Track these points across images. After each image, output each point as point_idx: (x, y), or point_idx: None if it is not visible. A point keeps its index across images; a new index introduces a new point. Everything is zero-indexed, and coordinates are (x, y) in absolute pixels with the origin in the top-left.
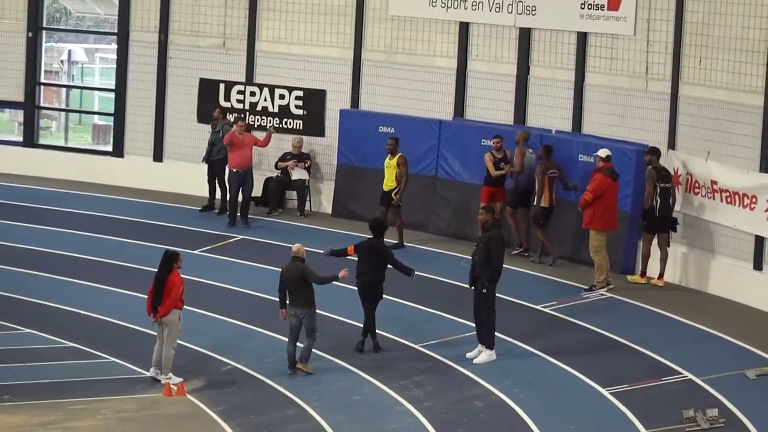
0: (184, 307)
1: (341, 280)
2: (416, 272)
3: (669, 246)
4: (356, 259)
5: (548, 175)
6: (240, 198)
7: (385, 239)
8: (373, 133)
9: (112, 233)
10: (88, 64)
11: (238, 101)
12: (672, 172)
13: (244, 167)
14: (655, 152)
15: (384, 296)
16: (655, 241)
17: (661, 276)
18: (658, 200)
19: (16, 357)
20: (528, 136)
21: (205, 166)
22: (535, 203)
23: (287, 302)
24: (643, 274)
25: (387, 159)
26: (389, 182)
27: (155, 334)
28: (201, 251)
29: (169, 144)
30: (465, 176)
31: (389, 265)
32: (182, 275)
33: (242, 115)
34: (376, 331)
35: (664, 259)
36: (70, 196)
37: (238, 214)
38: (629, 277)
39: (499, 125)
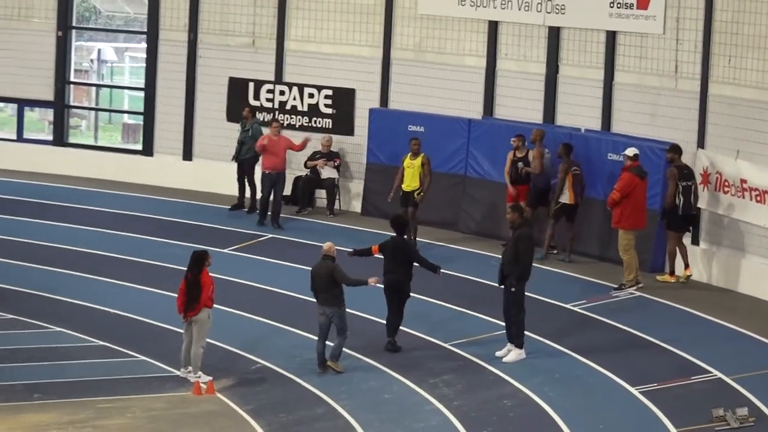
0: (214, 305)
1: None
2: (445, 270)
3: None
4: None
5: (572, 172)
6: (271, 200)
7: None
8: (402, 132)
9: (142, 232)
10: (117, 63)
11: (268, 100)
12: (701, 171)
13: (277, 169)
14: (677, 150)
15: (412, 294)
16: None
17: (687, 266)
18: (681, 198)
19: (46, 355)
20: (544, 134)
21: (235, 165)
22: (558, 200)
23: (316, 301)
24: (672, 272)
25: (408, 159)
26: (412, 182)
27: (182, 332)
28: (230, 250)
29: (198, 143)
30: (494, 175)
31: (415, 263)
32: (212, 274)
33: (275, 116)
34: (400, 328)
35: (685, 254)
36: (99, 194)
37: (269, 215)
38: (658, 277)
39: (528, 124)
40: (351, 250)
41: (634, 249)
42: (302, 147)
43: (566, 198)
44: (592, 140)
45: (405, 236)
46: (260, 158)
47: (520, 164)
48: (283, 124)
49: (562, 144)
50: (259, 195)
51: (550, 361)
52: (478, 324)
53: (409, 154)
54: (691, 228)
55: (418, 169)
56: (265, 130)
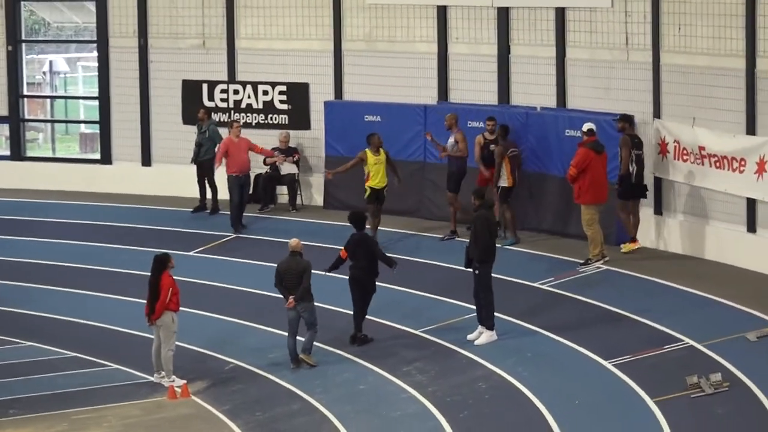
0: (182, 308)
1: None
2: (411, 258)
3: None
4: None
5: (508, 155)
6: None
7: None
8: (359, 123)
9: (106, 240)
10: (70, 74)
11: (222, 100)
12: (659, 141)
13: (243, 171)
14: (627, 119)
15: (380, 284)
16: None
17: (634, 240)
18: (635, 167)
19: (19, 370)
20: (457, 118)
21: (194, 168)
22: (497, 184)
23: (286, 295)
24: (634, 240)
25: (371, 155)
26: (383, 180)
27: (153, 337)
28: (196, 252)
29: (156, 148)
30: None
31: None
32: (178, 277)
33: (233, 118)
34: (371, 318)
35: (636, 225)
36: (61, 206)
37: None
38: (623, 247)
39: (483, 106)
40: (327, 269)
41: (598, 223)
42: (265, 153)
43: (504, 181)
44: (549, 117)
45: (364, 230)
46: (223, 161)
47: (493, 146)
48: (241, 123)
49: (500, 126)
50: (220, 196)
51: (522, 341)
52: (448, 309)
53: (368, 150)
54: (642, 197)
55: (384, 165)
56: (224, 132)
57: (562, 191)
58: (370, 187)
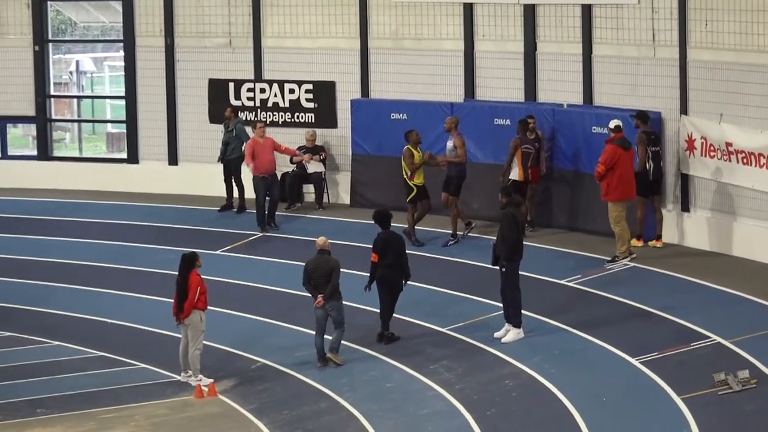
0: (209, 307)
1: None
2: (441, 256)
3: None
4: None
5: (522, 150)
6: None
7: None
8: (385, 121)
9: (133, 240)
10: (97, 74)
11: (249, 99)
12: (686, 138)
13: (270, 171)
14: (642, 116)
15: (409, 283)
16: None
17: (659, 238)
18: (651, 164)
19: (46, 370)
20: (458, 121)
21: (221, 166)
22: (506, 177)
23: (314, 293)
24: (640, 237)
25: (416, 153)
26: (420, 177)
27: (180, 336)
28: (223, 251)
29: (183, 147)
30: (480, 156)
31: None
32: (205, 276)
33: (258, 117)
34: (398, 317)
35: (660, 221)
36: (87, 206)
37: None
38: (650, 243)
39: (510, 103)
40: (366, 285)
41: (625, 220)
42: (289, 153)
43: (515, 174)
44: (576, 115)
45: (390, 228)
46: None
47: (536, 145)
48: (266, 122)
49: (519, 121)
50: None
51: (549, 338)
52: (474, 307)
53: (409, 147)
54: (657, 193)
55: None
56: (251, 131)
57: (589, 188)
58: (416, 185)
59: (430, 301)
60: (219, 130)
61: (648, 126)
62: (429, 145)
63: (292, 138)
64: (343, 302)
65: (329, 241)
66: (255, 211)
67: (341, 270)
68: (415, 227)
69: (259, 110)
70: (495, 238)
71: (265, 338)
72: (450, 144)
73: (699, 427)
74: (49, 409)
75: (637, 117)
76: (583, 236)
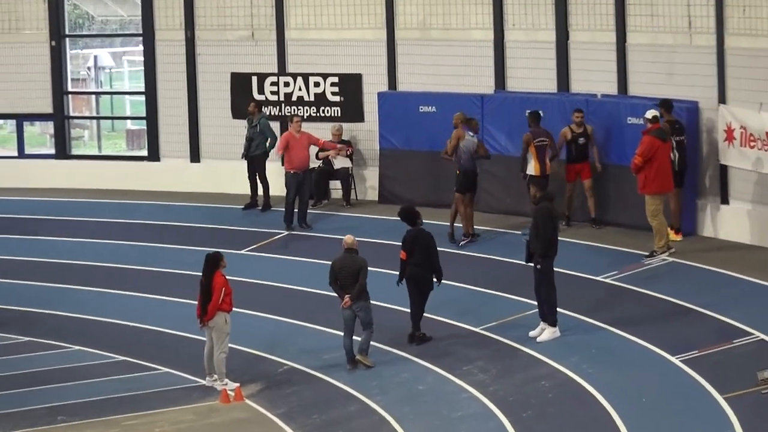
0: (234, 309)
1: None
2: (469, 252)
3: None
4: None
5: (535, 143)
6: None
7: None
8: (413, 114)
9: (154, 240)
10: (115, 69)
11: (272, 93)
12: (725, 127)
13: (302, 168)
14: (666, 105)
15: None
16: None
17: (678, 231)
18: (676, 154)
19: (67, 376)
20: (464, 118)
21: (245, 163)
22: (523, 172)
23: (341, 294)
24: (678, 230)
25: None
26: None
27: (205, 339)
28: (247, 251)
29: (205, 143)
30: (512, 149)
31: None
32: (230, 276)
33: (295, 111)
34: (429, 316)
35: (677, 214)
36: (108, 205)
37: (296, 217)
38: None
39: (542, 94)
40: (397, 281)
41: (663, 214)
42: (330, 147)
43: (531, 169)
44: (610, 105)
45: (420, 225)
46: (281, 157)
47: (581, 139)
48: (303, 117)
49: (529, 112)
50: (273, 193)
51: (586, 337)
52: (508, 305)
53: (464, 132)
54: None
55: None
56: (275, 126)
57: (625, 180)
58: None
59: (462, 300)
60: (242, 125)
61: (672, 115)
62: None
63: (318, 133)
64: (372, 302)
65: (356, 239)
66: (282, 209)
67: (369, 269)
68: (454, 224)
69: (283, 104)
70: (528, 233)
71: (292, 340)
72: (468, 142)
73: (743, 428)
74: (71, 417)
75: (660, 106)
76: (619, 231)
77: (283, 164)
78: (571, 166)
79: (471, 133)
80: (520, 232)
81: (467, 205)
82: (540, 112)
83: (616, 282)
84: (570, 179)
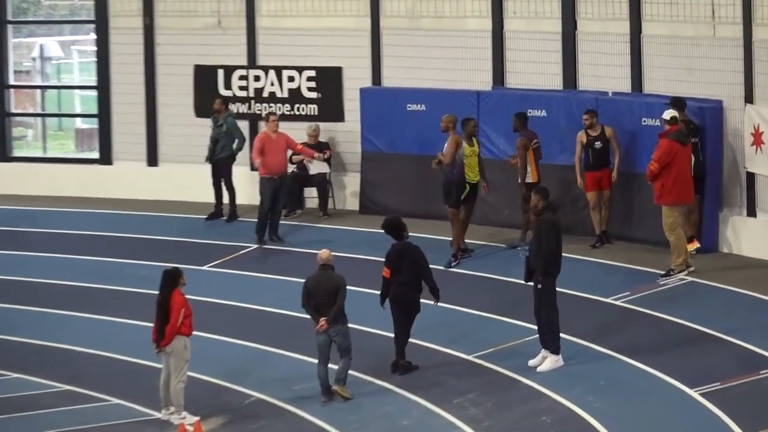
0: (195, 333)
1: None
2: (462, 270)
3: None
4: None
5: (532, 147)
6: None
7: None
8: (400, 113)
9: (106, 254)
10: (64, 60)
11: (241, 88)
12: (753, 130)
13: (280, 173)
14: (678, 103)
15: (424, 301)
16: None
17: (693, 239)
18: (692, 158)
19: (4, 407)
20: (455, 120)
21: (209, 167)
22: (520, 181)
23: (316, 316)
24: (692, 238)
25: (466, 146)
26: (477, 173)
27: (161, 366)
28: (211, 266)
29: (164, 145)
30: (511, 153)
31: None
32: (190, 296)
33: (271, 111)
34: (414, 342)
35: (696, 223)
36: (54, 214)
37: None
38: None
39: (546, 92)
40: (380, 302)
41: (682, 227)
42: (306, 154)
43: (530, 177)
44: (622, 104)
45: (407, 239)
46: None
47: (598, 143)
48: (278, 116)
49: (515, 115)
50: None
51: (593, 367)
52: (505, 330)
53: (461, 138)
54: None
55: (477, 158)
56: (243, 125)
57: (639, 189)
58: (468, 183)
59: (452, 323)
60: (207, 125)
61: (685, 114)
62: None
63: (292, 135)
64: (351, 326)
65: (334, 254)
66: (251, 219)
67: (348, 288)
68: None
69: (253, 101)
70: (527, 248)
71: (259, 368)
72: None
73: None
74: None
75: (671, 104)
76: (632, 246)
77: (253, 169)
78: (591, 174)
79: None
80: (518, 247)
81: (463, 219)
82: (587, 115)
83: (627, 304)
84: (591, 189)
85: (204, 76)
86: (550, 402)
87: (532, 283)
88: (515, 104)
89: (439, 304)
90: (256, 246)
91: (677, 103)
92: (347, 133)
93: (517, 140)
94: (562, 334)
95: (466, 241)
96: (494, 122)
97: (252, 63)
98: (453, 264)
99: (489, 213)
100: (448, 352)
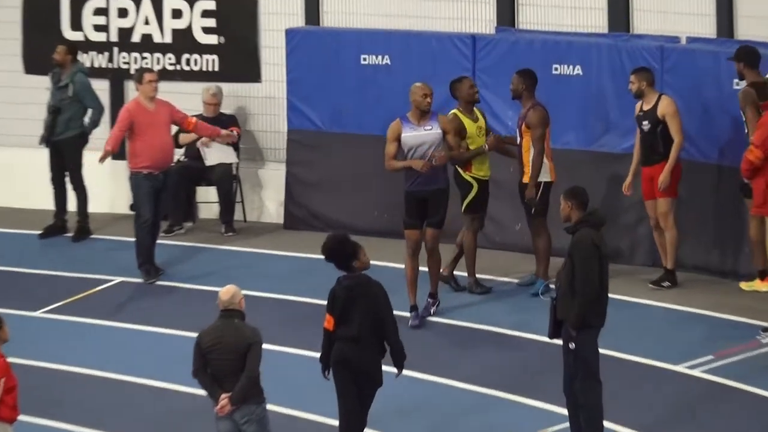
0: (21, 417)
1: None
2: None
3: None
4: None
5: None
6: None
7: None
8: (351, 69)
9: None
10: None
11: (98, 29)
12: None
13: (162, 165)
14: (747, 57)
15: (388, 372)
16: None
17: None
18: None
19: None
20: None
21: (46, 153)
22: (525, 180)
23: (215, 391)
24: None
25: (465, 119)
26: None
27: None
28: (45, 312)
29: None
30: (506, 134)
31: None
32: (13, 358)
33: (144, 64)
34: None
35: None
36: None
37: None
38: (743, 285)
39: (580, 36)
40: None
41: None
42: (205, 132)
43: (546, 175)
44: (702, 57)
45: (356, 270)
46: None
47: (646, 124)
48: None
49: (518, 73)
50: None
51: None
52: (518, 416)
53: (458, 110)
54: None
55: (483, 137)
56: (101, 86)
57: (728, 192)
58: (476, 179)
59: (433, 407)
60: (42, 86)
61: (758, 73)
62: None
63: (180, 101)
64: (270, 408)
65: (244, 293)
66: (106, 237)
67: (265, 347)
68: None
69: (116, 49)
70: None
71: None
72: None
73: None
74: None
75: (736, 59)
76: (716, 283)
77: (116, 157)
78: (648, 170)
79: (429, 126)
80: (539, 287)
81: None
82: (636, 76)
83: (710, 375)
84: (646, 195)
85: (38, 12)
86: None
87: (560, 341)
88: (532, 56)
89: (404, 374)
90: (119, 279)
91: (745, 56)
92: (266, 100)
93: (529, 113)
94: (606, 422)
95: (443, 273)
96: (498, 84)
97: None
98: (432, 309)
99: (491, 230)
100: None
